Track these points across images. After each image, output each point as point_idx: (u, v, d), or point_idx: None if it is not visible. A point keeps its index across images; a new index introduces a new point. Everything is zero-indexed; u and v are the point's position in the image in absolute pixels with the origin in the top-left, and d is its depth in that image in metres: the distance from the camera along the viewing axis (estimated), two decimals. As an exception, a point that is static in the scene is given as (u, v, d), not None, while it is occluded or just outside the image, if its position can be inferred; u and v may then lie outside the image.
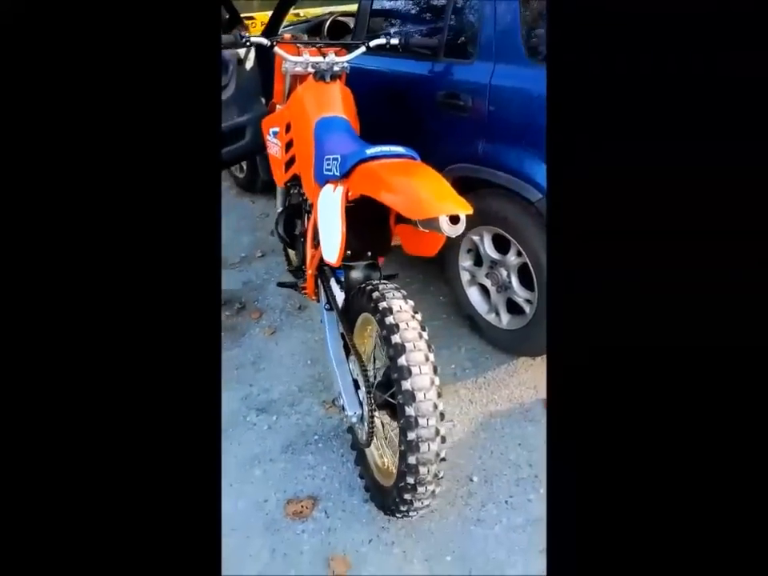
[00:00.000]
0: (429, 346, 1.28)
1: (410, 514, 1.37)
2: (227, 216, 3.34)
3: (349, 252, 1.53)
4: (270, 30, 2.79)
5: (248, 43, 1.76)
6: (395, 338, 1.26)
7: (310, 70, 1.81)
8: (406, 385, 1.23)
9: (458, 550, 1.42)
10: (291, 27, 3.31)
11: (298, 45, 1.87)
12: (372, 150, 1.34)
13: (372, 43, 1.88)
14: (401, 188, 1.22)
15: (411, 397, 1.22)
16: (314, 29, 3.04)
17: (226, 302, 2.50)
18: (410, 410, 1.22)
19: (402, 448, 1.25)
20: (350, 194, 1.35)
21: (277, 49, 1.82)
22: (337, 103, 1.78)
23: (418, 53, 1.99)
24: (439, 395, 1.25)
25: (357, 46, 1.89)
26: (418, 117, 2.06)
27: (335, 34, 2.95)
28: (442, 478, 1.30)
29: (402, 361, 1.24)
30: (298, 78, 1.91)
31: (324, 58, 1.81)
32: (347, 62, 1.85)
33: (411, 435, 1.22)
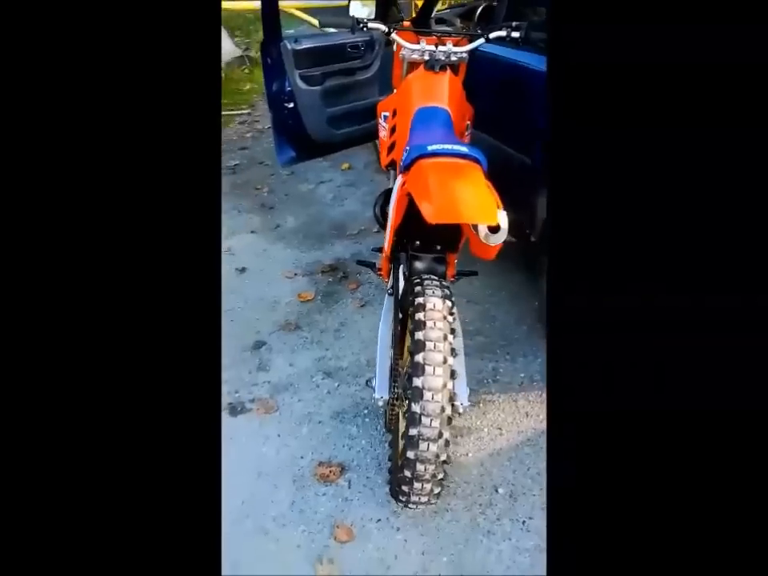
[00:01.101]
0: (452, 350, 1.28)
1: (409, 505, 1.40)
2: (360, 189, 3.50)
3: (417, 242, 1.56)
4: (422, 13, 2.81)
5: (365, 28, 1.83)
6: (418, 335, 1.28)
7: (426, 57, 1.83)
8: (417, 382, 1.25)
9: (458, 555, 1.42)
10: (448, 10, 3.30)
11: (417, 32, 1.90)
12: (434, 147, 1.35)
13: (492, 35, 1.83)
14: (433, 188, 1.22)
15: (420, 394, 1.24)
16: (467, 14, 3.00)
17: (333, 268, 2.67)
18: (415, 407, 1.24)
19: (404, 441, 1.28)
20: (405, 186, 1.37)
21: (394, 35, 1.86)
22: (441, 94, 1.78)
23: (540, 46, 1.90)
24: (451, 400, 1.25)
25: (476, 37, 1.86)
26: (533, 112, 1.98)
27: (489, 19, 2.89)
28: (443, 480, 1.31)
29: (418, 358, 1.26)
30: (414, 66, 1.93)
31: (436, 47, 1.81)
32: (465, 52, 1.84)
33: (413, 431, 1.25)
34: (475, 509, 1.53)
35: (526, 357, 2.06)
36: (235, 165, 3.99)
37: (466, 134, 1.97)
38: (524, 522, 1.49)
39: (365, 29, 1.84)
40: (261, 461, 1.70)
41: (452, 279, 1.85)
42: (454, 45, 1.86)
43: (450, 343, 1.28)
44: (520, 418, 1.81)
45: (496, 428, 1.77)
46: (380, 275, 1.92)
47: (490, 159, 1.38)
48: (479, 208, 1.16)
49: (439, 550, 1.43)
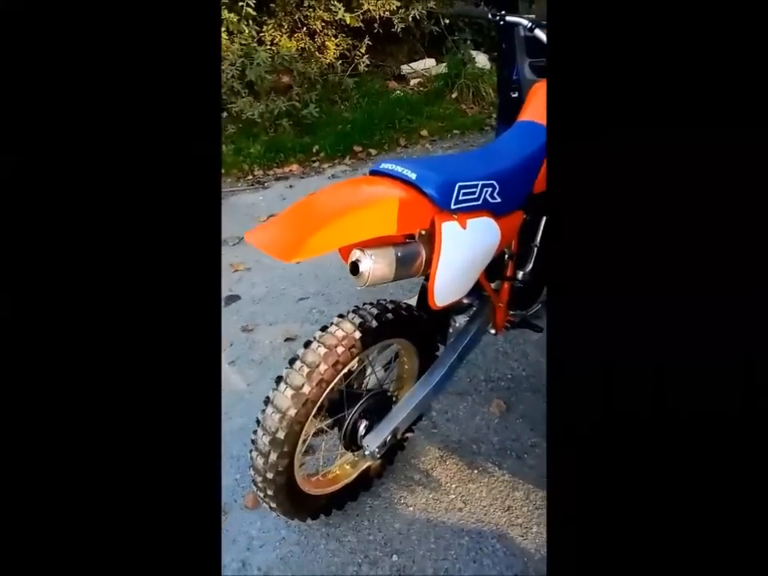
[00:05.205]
0: (320, 380, 1.19)
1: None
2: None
3: None
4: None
5: (502, 21, 1.61)
6: (298, 351, 1.24)
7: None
8: (270, 393, 1.23)
9: (302, 581, 1.37)
10: None
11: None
12: (386, 165, 1.20)
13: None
14: (295, 205, 1.11)
15: (266, 404, 1.22)
16: None
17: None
18: (260, 415, 1.23)
19: None
20: None
21: (537, 31, 1.59)
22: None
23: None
24: (292, 427, 1.19)
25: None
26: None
27: None
28: (271, 496, 1.27)
29: (283, 372, 1.23)
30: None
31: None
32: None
33: (252, 436, 1.25)
34: (358, 557, 1.41)
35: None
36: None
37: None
38: (382, 601, 1.32)
39: (501, 22, 1.62)
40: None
41: (502, 329, 1.62)
42: None
43: (321, 374, 1.20)
44: (496, 509, 1.50)
45: (462, 501, 1.53)
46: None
47: None
48: (288, 241, 1.01)
49: (294, 564, 1.40)
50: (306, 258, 1.00)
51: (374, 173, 1.22)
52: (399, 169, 1.17)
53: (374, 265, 1.09)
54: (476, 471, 1.61)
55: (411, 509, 1.52)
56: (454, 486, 1.57)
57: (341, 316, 1.28)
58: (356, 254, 1.09)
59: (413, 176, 1.15)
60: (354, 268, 1.09)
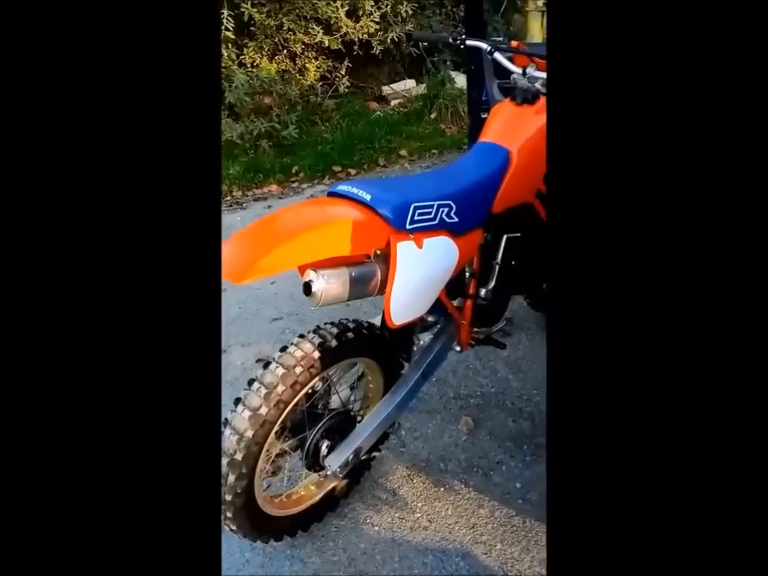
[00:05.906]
0: (278, 401, 1.20)
1: None
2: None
3: None
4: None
5: (462, 45, 1.65)
6: (257, 372, 1.24)
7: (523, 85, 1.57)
8: (228, 414, 1.23)
9: (264, 604, 1.36)
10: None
11: (527, 54, 1.61)
12: (343, 187, 1.22)
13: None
14: (248, 227, 1.12)
15: (223, 425, 1.22)
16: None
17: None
18: (224, 432, 1.23)
19: None
20: None
21: (497, 56, 1.63)
22: (512, 131, 1.53)
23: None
24: (250, 449, 1.19)
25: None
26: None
27: None
28: (231, 518, 1.26)
29: (242, 392, 1.23)
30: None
31: (524, 72, 1.53)
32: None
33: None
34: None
35: (547, 469, 1.64)
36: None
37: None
38: (342, 622, 1.31)
39: (462, 46, 1.66)
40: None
41: (467, 346, 1.63)
42: None
43: (279, 394, 1.20)
44: (461, 527, 1.50)
45: (427, 519, 1.53)
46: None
47: None
48: (240, 262, 1.03)
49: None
50: (256, 279, 1.02)
51: (331, 194, 1.24)
52: (355, 190, 1.20)
53: (327, 285, 1.11)
54: (442, 489, 1.61)
55: (377, 528, 1.52)
56: (420, 504, 1.57)
57: (301, 336, 1.29)
58: (309, 275, 1.11)
59: (367, 197, 1.18)
60: (308, 288, 1.11)
